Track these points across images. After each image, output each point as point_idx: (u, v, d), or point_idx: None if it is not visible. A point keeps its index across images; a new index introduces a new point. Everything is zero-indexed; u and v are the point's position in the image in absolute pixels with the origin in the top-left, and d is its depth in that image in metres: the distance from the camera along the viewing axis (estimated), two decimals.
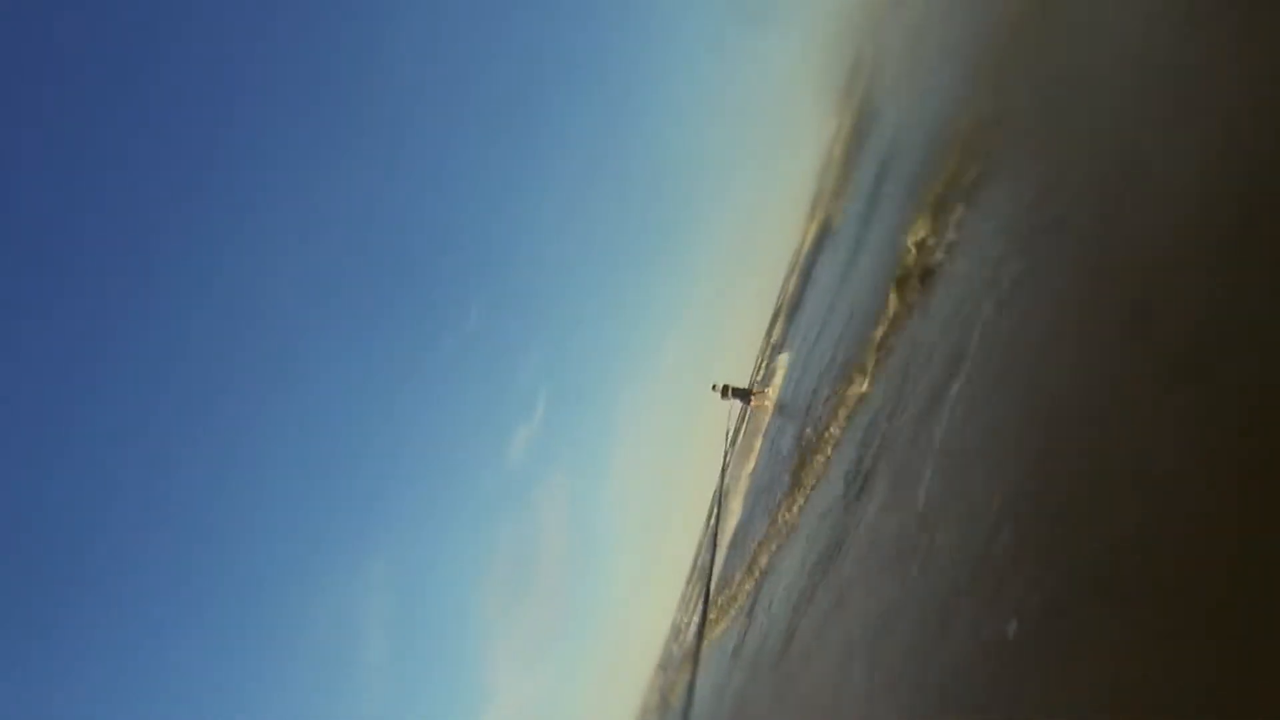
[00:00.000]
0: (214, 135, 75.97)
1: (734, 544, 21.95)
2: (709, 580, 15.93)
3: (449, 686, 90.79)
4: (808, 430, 14.30)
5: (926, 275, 9.70)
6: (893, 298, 10.70)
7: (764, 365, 28.50)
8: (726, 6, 55.21)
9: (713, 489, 33.41)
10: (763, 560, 14.03)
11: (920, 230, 10.62)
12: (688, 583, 34.12)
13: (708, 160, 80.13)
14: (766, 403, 24.74)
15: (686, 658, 22.19)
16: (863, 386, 11.07)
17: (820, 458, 12.16)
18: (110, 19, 64.62)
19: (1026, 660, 3.58)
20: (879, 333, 11.09)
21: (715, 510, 24.72)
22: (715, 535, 24.54)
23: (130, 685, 69.71)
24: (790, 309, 28.66)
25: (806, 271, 29.74)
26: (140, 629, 73.40)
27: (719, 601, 16.93)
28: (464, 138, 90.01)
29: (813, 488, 12.22)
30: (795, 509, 12.74)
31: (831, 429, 12.13)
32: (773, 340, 30.12)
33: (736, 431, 27.25)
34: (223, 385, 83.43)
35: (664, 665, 28.93)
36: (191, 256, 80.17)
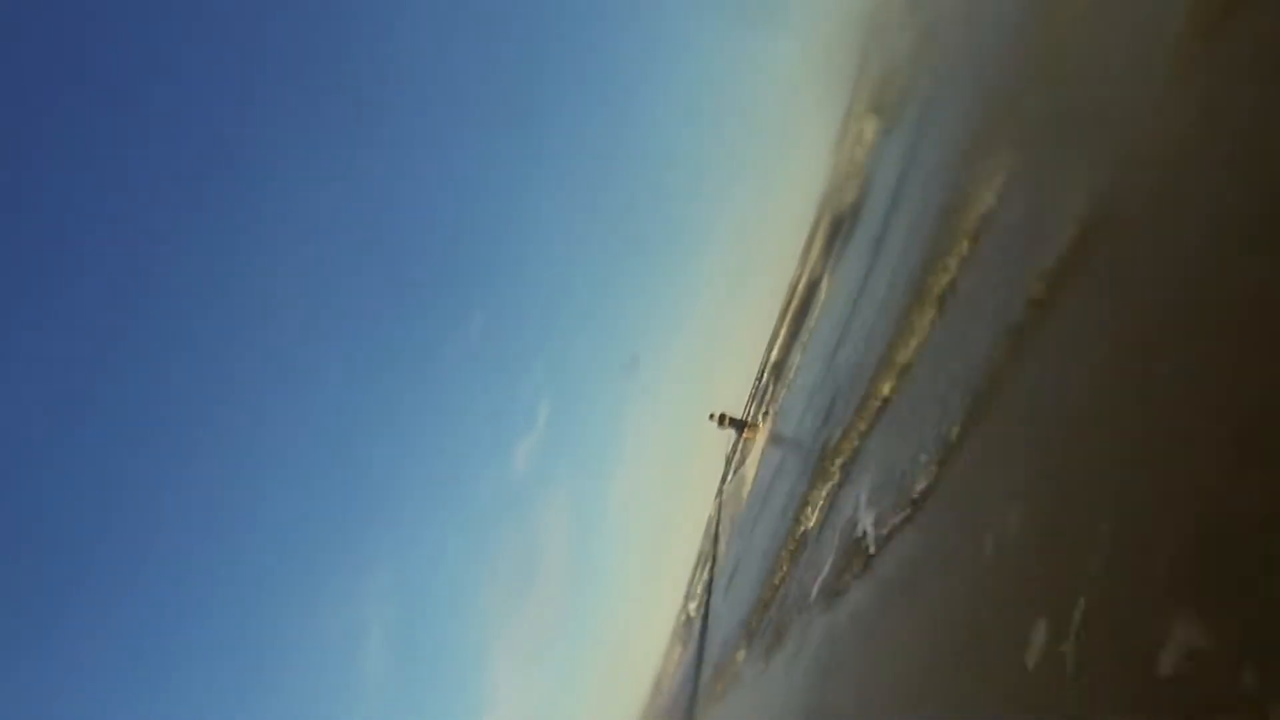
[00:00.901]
0: (214, 139, 75.26)
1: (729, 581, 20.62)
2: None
3: (450, 693, 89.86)
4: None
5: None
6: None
7: (761, 390, 27.03)
8: (729, 13, 53.65)
9: (710, 498, 32.54)
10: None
11: None
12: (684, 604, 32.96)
13: (712, 170, 78.66)
14: (760, 435, 23.33)
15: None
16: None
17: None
18: (113, 18, 63.96)
19: None
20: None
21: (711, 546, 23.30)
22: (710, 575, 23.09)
23: (131, 692, 69.07)
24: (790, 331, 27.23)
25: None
26: (141, 635, 72.75)
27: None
28: (467, 145, 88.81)
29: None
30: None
31: None
32: (771, 361, 28.64)
33: (730, 460, 25.84)
34: (222, 393, 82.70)
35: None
36: (189, 262, 79.48)
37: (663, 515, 62.15)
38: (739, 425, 25.16)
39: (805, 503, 11.65)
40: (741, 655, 13.34)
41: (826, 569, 8.66)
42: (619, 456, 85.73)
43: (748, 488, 21.80)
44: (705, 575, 24.20)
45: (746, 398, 31.27)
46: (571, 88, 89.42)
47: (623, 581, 71.90)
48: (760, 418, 24.19)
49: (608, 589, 79.38)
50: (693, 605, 26.03)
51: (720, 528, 24.93)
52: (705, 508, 37.45)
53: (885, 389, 9.30)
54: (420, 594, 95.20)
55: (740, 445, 25.49)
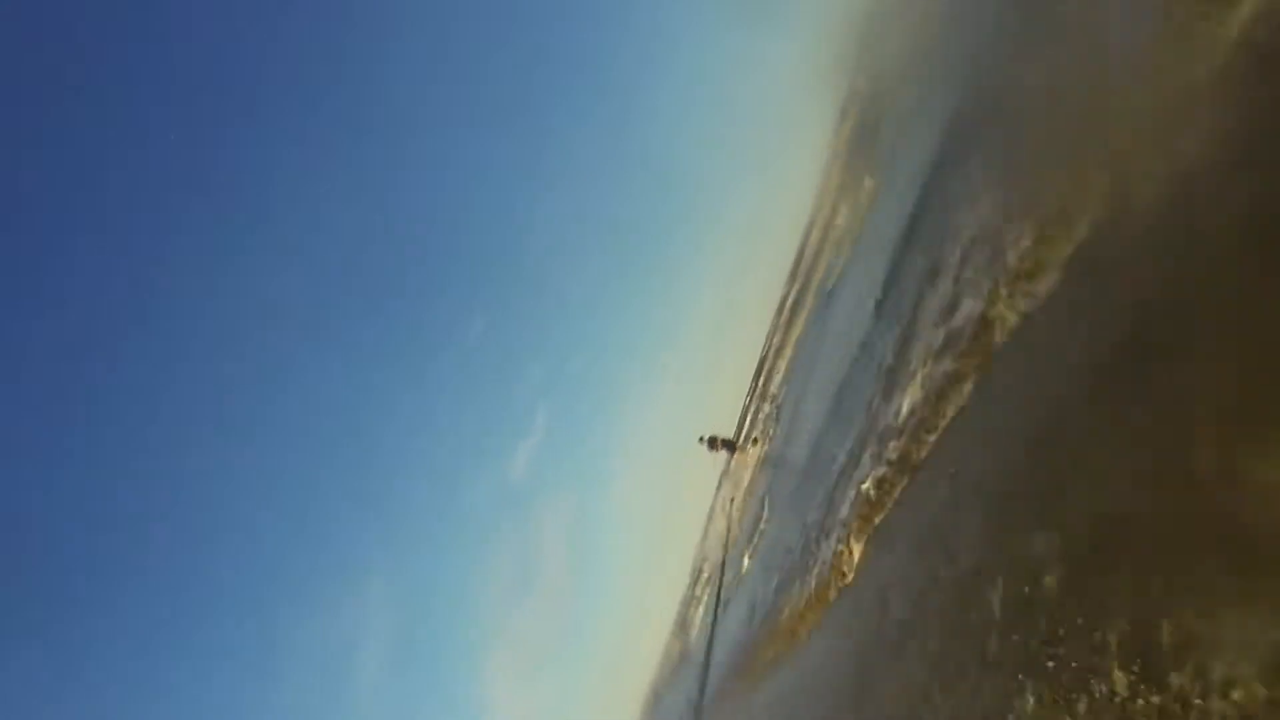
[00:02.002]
0: (216, 145, 74.74)
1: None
2: None
3: (447, 700, 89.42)
4: None
5: None
6: None
7: (753, 408, 26.28)
8: (727, 18, 52.97)
9: (706, 506, 32.01)
10: None
11: None
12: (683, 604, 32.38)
13: (711, 173, 78.14)
14: (750, 455, 22.60)
15: None
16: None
17: None
18: (116, 22, 63.42)
19: None
20: None
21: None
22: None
23: (132, 696, 68.76)
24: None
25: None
26: (140, 639, 72.35)
27: None
28: (468, 151, 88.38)
29: None
30: None
31: None
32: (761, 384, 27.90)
33: (721, 480, 25.16)
34: (221, 397, 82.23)
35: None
36: (188, 266, 78.93)
37: (660, 517, 61.56)
38: (730, 445, 24.39)
39: None
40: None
41: None
42: (616, 459, 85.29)
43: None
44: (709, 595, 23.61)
45: (741, 408, 30.50)
46: (571, 96, 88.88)
47: (620, 584, 71.41)
48: (751, 439, 23.48)
49: (605, 592, 78.90)
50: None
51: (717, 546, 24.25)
52: (701, 510, 36.76)
53: None
54: (419, 598, 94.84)
55: (732, 465, 24.76)
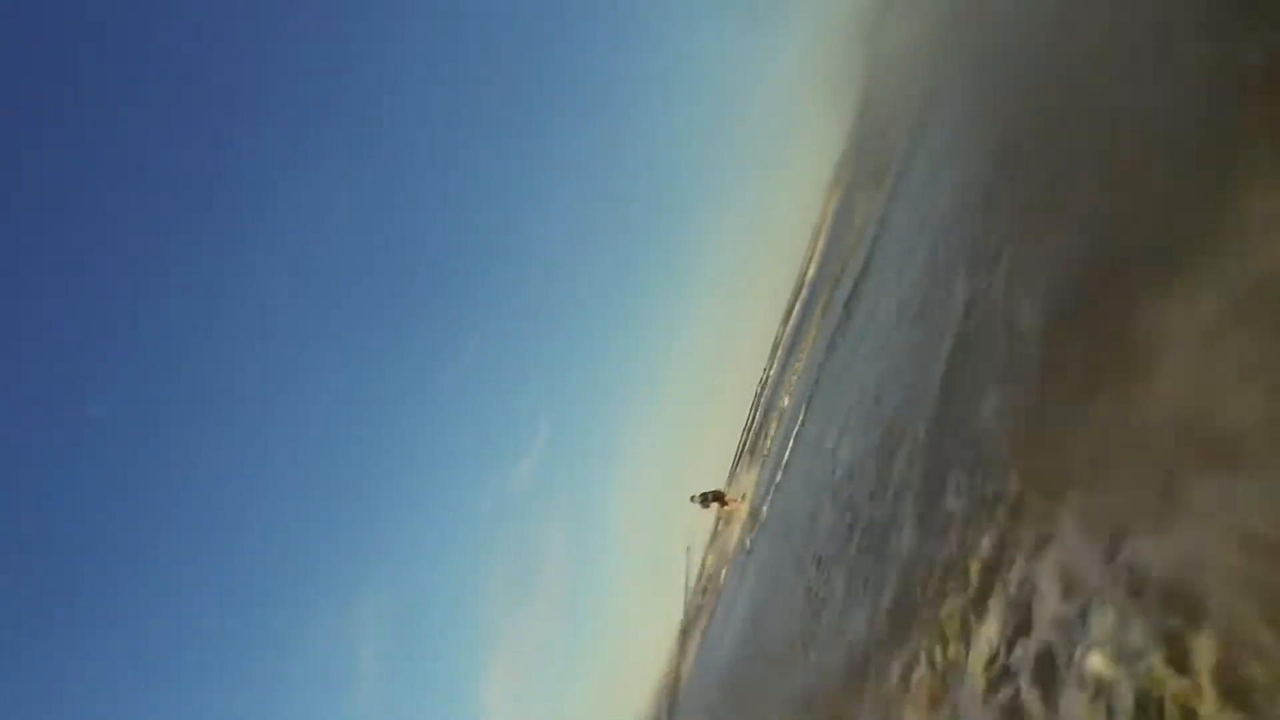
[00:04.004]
0: (214, 146, 73.53)
1: None
2: None
3: (446, 708, 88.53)
4: None
5: None
6: None
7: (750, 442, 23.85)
8: (732, 17, 50.43)
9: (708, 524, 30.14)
10: None
11: None
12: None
13: (713, 181, 75.81)
14: (740, 505, 20.26)
15: None
16: None
17: None
18: (113, 24, 62.17)
19: None
20: None
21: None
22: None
23: (127, 708, 68.24)
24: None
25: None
26: (136, 645, 71.84)
27: None
28: (464, 164, 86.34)
29: None
30: None
31: None
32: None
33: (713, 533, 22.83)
34: (220, 411, 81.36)
35: None
36: (190, 276, 77.89)
37: (661, 530, 59.86)
38: (720, 498, 21.87)
39: None
40: None
41: None
42: (618, 472, 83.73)
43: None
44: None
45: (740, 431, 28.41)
46: (571, 103, 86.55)
47: (621, 597, 70.09)
48: (741, 495, 21.02)
49: (606, 604, 77.61)
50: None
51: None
52: (703, 527, 35.12)
53: None
54: (417, 609, 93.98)
55: (722, 519, 22.32)
